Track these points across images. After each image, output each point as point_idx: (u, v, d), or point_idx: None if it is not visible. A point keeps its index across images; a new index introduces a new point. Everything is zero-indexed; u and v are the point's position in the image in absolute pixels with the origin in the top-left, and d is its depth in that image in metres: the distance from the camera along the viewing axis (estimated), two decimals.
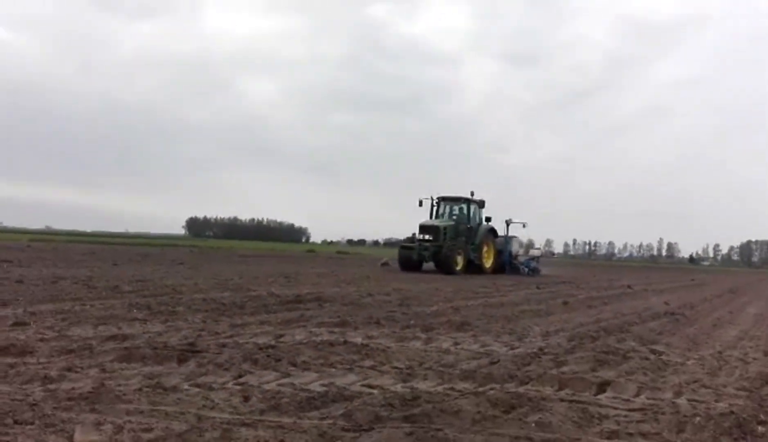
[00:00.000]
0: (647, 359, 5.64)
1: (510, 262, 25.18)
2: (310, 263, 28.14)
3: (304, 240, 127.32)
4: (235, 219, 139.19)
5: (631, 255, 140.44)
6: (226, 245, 57.84)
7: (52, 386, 3.71)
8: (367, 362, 4.89)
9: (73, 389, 3.68)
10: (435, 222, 23.23)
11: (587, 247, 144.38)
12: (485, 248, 24.04)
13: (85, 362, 4.40)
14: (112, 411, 3.29)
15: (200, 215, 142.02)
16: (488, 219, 24.62)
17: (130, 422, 3.11)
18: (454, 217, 24.15)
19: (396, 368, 4.76)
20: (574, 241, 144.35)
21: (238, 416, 3.34)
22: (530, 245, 29.26)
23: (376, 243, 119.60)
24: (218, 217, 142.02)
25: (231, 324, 6.70)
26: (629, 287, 18.87)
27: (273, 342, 5.59)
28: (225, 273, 15.74)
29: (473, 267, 23.07)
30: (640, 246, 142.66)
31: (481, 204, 24.51)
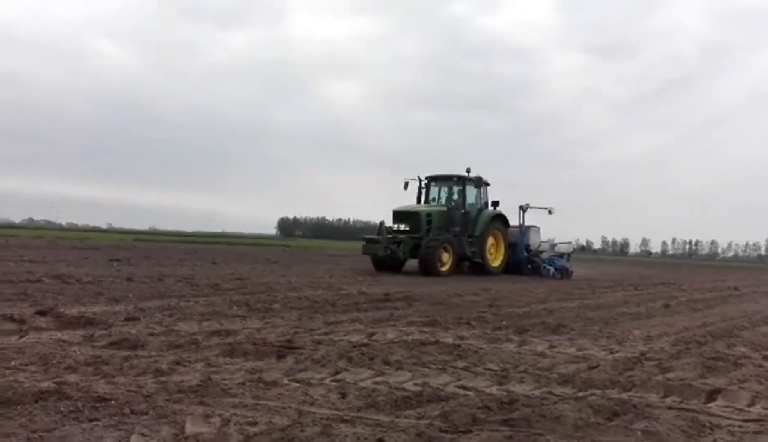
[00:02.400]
0: (761, 366, 5.25)
1: (529, 259, 20.01)
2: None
3: None
4: (323, 219, 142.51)
5: (736, 255, 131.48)
6: (315, 245, 59.32)
7: (163, 379, 3.94)
8: (460, 363, 4.85)
9: (182, 381, 3.89)
10: (414, 207, 18.46)
11: (687, 246, 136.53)
12: (491, 241, 19.06)
13: (192, 356, 4.63)
14: (219, 404, 3.45)
15: (290, 216, 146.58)
16: (495, 204, 19.57)
17: (236, 415, 3.25)
18: (453, 202, 19.00)
19: (490, 369, 4.70)
20: (673, 240, 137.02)
21: (336, 412, 3.41)
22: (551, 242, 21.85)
23: (581, 249, 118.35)
24: (307, 217, 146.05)
25: (325, 322, 6.86)
26: (736, 288, 17.66)
27: (366, 340, 5.66)
28: (316, 272, 16.14)
29: (475, 266, 18.63)
30: (746, 245, 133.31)
31: (479, 183, 19.21)
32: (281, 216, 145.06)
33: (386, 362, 4.71)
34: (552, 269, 19.63)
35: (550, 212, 20.39)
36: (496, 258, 19.37)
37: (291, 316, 7.27)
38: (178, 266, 15.96)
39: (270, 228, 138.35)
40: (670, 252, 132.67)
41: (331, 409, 3.48)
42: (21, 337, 5.20)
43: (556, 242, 21.40)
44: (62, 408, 3.20)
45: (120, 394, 3.51)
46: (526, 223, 20.53)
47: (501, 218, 19.59)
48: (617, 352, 5.73)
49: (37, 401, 3.27)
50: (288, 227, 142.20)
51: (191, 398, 3.54)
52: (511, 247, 19.78)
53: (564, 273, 19.73)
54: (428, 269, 16.61)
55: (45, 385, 3.61)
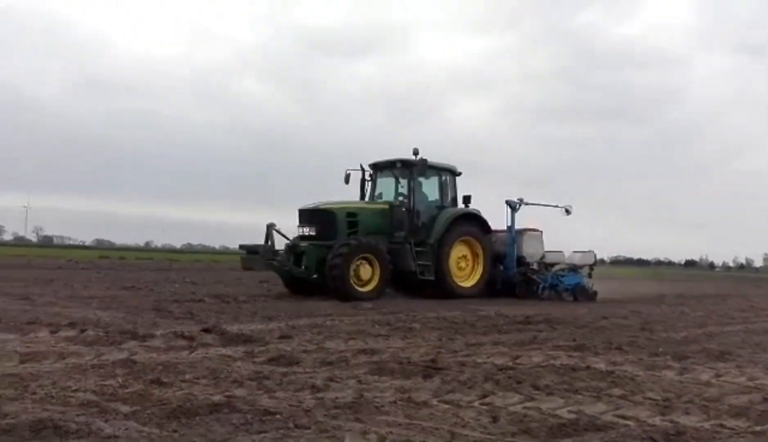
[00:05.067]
0: None
1: (524, 274, 14.85)
2: None
3: None
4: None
5: None
6: None
7: (319, 395, 4.13)
8: (616, 391, 4.59)
9: (337, 398, 4.05)
10: (326, 203, 13.23)
11: None
12: (458, 252, 13.91)
13: (343, 374, 4.81)
14: (373, 421, 3.55)
15: None
16: (466, 200, 14.55)
17: (391, 433, 3.33)
18: (401, 198, 13.97)
19: (650, 399, 4.41)
20: None
21: (489, 436, 3.38)
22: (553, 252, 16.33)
23: (601, 261, 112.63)
24: None
25: (466, 343, 6.82)
26: None
27: (511, 363, 5.55)
28: None
29: (424, 285, 13.41)
30: None
31: (437, 171, 14.26)
32: None
33: (535, 387, 4.58)
34: (565, 289, 14.59)
35: (567, 212, 15.52)
36: (467, 274, 14.15)
37: (431, 336, 7.32)
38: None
39: None
40: None
41: (483, 433, 3.44)
42: (191, 352, 5.69)
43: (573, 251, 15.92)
44: (234, 420, 3.46)
45: (283, 408, 3.73)
46: (525, 226, 15.38)
47: (475, 220, 14.39)
48: None
49: (211, 413, 3.56)
50: None
51: (347, 414, 3.67)
52: (499, 259, 14.89)
53: (580, 294, 14.59)
54: (338, 290, 11.88)
55: (216, 398, 3.93)
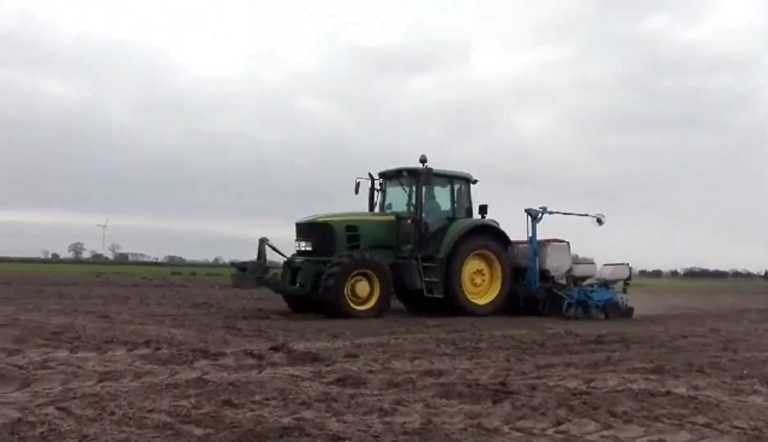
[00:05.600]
0: None
1: (549, 289, 13.57)
2: None
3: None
4: None
5: None
6: None
7: (387, 419, 4.08)
8: (699, 419, 4.33)
9: (405, 423, 3.99)
10: (323, 216, 12.48)
11: None
12: (472, 266, 12.99)
13: (410, 397, 4.75)
14: None
15: None
16: (483, 209, 13.69)
17: None
18: (411, 208, 12.99)
19: (737, 427, 4.13)
20: None
21: None
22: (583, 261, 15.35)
23: (674, 274, 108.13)
24: None
25: (535, 364, 6.62)
26: None
27: (584, 387, 5.34)
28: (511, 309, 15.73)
29: (431, 303, 12.53)
30: None
31: (448, 179, 13.41)
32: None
33: (612, 414, 4.38)
34: (594, 306, 13.20)
35: (599, 222, 14.26)
36: (483, 290, 13.16)
37: (499, 356, 7.16)
38: None
39: None
40: None
41: None
42: (260, 371, 5.77)
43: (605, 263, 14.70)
44: None
45: (351, 433, 3.71)
46: (547, 237, 14.07)
47: (492, 232, 13.48)
48: None
49: (281, 436, 3.57)
50: None
51: (416, 440, 3.61)
52: (519, 273, 13.75)
53: (612, 311, 13.32)
54: (332, 308, 11.23)
55: (286, 420, 3.95)
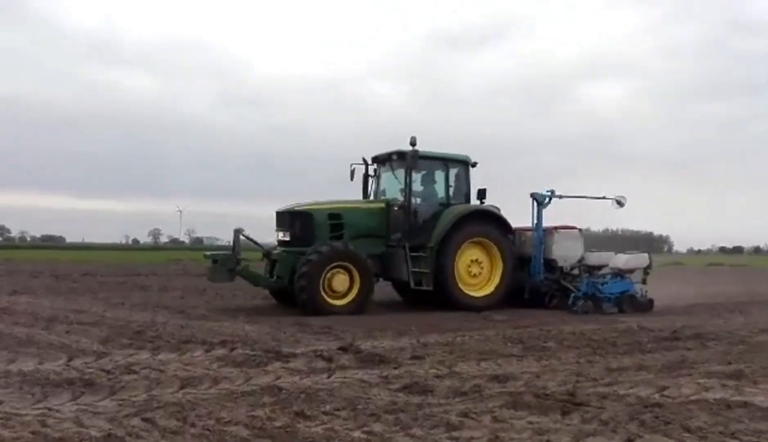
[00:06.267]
0: None
1: (556, 281, 12.64)
2: (675, 278, 25.56)
3: (666, 250, 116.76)
4: (587, 230, 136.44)
5: None
6: None
7: (454, 434, 4.14)
8: None
9: (472, 438, 4.04)
10: (302, 205, 11.92)
11: None
12: (469, 256, 12.11)
13: (477, 407, 4.78)
14: None
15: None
16: (481, 194, 12.71)
17: None
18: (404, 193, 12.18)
19: None
20: None
21: None
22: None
23: (756, 250, 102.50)
24: None
25: (606, 367, 6.51)
26: None
27: (657, 396, 5.22)
28: None
29: (437, 296, 11.84)
30: None
31: (440, 163, 12.57)
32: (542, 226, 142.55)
33: (686, 429, 4.27)
34: (586, 297, 12.00)
35: (619, 205, 13.06)
36: (482, 282, 12.27)
37: (568, 357, 7.08)
38: None
39: None
40: None
41: None
42: (330, 376, 5.95)
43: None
44: None
45: None
46: (553, 224, 13.06)
47: (491, 218, 12.53)
48: None
49: None
50: None
51: None
52: (524, 262, 12.82)
53: (628, 304, 12.20)
54: (305, 303, 10.65)
55: (356, 434, 4.08)
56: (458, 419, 4.47)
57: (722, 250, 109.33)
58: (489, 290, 12.26)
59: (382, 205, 12.30)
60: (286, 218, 11.80)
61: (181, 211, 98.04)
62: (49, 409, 4.60)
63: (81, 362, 6.30)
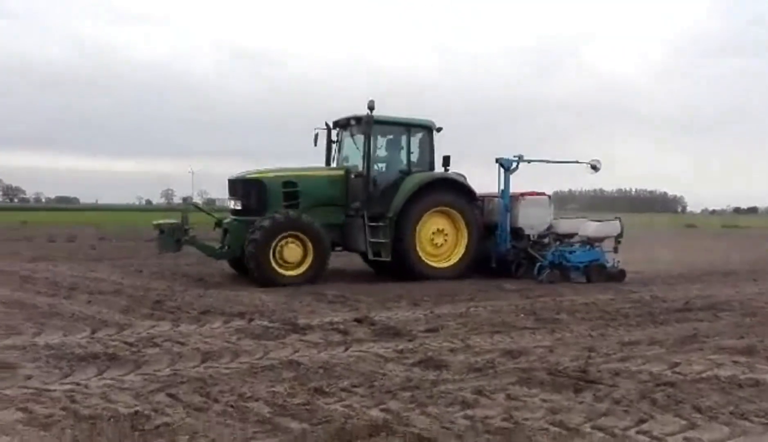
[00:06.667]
0: None
1: (524, 250, 12.29)
2: (692, 240, 25.49)
3: (679, 210, 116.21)
4: (600, 191, 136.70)
5: None
6: None
7: (470, 412, 4.24)
8: None
9: (486, 417, 4.15)
10: (253, 172, 11.64)
11: None
12: (432, 226, 11.81)
13: (492, 385, 4.88)
14: None
15: (564, 189, 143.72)
16: (446, 161, 12.36)
17: None
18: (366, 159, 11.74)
19: None
20: None
21: None
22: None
23: None
24: (582, 189, 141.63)
25: (619, 341, 6.59)
26: None
27: (669, 373, 5.29)
28: None
29: (397, 266, 11.62)
30: None
31: (403, 128, 12.15)
32: (555, 189, 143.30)
33: (697, 409, 4.34)
34: (552, 266, 11.65)
35: (594, 169, 12.74)
36: (446, 252, 11.95)
37: (581, 329, 7.16)
38: None
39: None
40: None
41: None
42: (346, 349, 6.08)
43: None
44: None
45: (435, 431, 3.89)
46: (519, 190, 12.63)
47: (455, 186, 12.13)
48: None
49: (370, 435, 3.81)
50: (562, 200, 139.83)
51: (498, 441, 3.77)
52: (489, 230, 12.43)
53: (596, 274, 11.75)
54: (255, 273, 10.47)
55: (374, 413, 4.20)
56: (473, 396, 4.58)
57: (737, 210, 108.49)
58: (453, 260, 11.97)
59: (342, 172, 11.91)
60: (239, 187, 11.50)
61: (193, 173, 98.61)
62: (77, 384, 4.77)
63: (104, 334, 6.48)
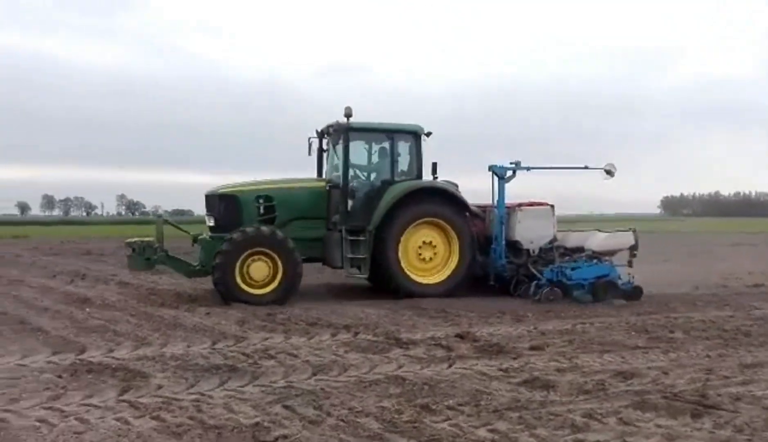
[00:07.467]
0: None
1: (524, 266, 11.10)
2: None
3: None
4: (716, 194, 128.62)
5: None
6: (705, 227, 52.76)
7: (581, 436, 4.18)
8: None
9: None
10: (227, 187, 11.26)
11: None
12: (418, 239, 10.95)
13: (603, 407, 4.76)
14: None
15: (676, 193, 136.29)
16: (434, 169, 11.34)
17: None
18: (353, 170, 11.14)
19: None
20: None
21: None
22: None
23: None
24: (696, 193, 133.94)
25: (740, 362, 6.22)
26: None
27: None
28: (715, 266, 14.49)
29: (379, 282, 11.05)
30: None
31: (385, 136, 11.35)
32: (665, 194, 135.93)
33: None
34: (551, 284, 10.37)
35: (609, 174, 11.49)
36: (436, 266, 11.07)
37: (697, 349, 6.81)
38: None
39: (652, 207, 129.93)
40: None
41: None
42: (450, 366, 6.14)
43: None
44: None
45: None
46: (518, 200, 11.57)
47: (444, 196, 11.23)
48: None
49: None
50: (674, 205, 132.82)
51: None
52: (479, 245, 11.29)
53: (604, 291, 10.30)
54: (223, 290, 10.02)
55: (481, 433, 4.24)
56: (583, 419, 4.50)
57: None
58: (444, 275, 11.04)
59: (323, 184, 11.36)
60: (214, 202, 11.06)
61: None
62: (202, 394, 5.14)
63: (224, 346, 6.93)
